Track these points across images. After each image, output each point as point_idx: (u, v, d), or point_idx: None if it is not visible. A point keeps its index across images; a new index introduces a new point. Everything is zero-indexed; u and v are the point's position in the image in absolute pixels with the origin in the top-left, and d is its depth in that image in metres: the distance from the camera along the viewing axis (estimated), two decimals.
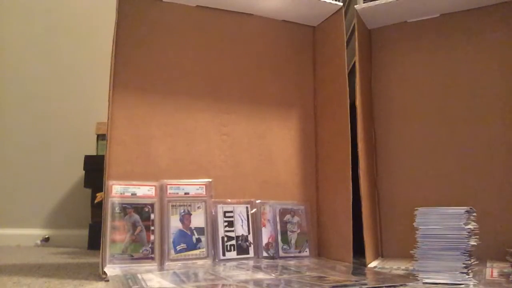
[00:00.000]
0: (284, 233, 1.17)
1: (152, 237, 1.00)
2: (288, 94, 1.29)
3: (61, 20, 2.06)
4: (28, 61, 2.01)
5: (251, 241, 1.12)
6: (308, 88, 1.32)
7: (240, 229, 1.12)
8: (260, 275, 0.90)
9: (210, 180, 1.11)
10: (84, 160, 1.75)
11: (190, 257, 1.03)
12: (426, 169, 1.19)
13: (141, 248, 0.98)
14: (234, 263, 1.06)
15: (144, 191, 1.03)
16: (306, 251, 1.18)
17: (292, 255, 1.16)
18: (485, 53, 1.16)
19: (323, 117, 1.28)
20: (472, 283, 0.78)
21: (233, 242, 1.10)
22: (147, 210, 1.01)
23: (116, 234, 0.97)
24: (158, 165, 1.10)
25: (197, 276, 0.88)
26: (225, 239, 1.09)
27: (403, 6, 1.19)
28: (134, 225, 0.99)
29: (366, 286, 0.77)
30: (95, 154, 1.84)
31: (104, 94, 1.05)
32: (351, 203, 1.09)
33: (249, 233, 1.13)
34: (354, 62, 1.18)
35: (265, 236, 1.15)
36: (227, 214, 1.11)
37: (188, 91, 1.17)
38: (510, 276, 0.82)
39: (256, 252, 1.12)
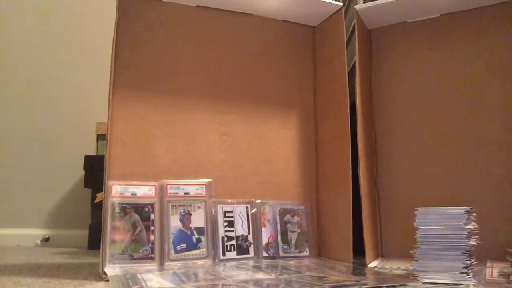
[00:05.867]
0: (284, 233, 1.17)
1: (152, 237, 1.00)
2: (288, 94, 1.29)
3: (61, 20, 2.06)
4: (28, 61, 2.01)
5: (251, 241, 1.12)
6: (308, 88, 1.32)
7: (240, 229, 1.12)
8: (260, 275, 0.90)
9: (210, 180, 1.11)
10: (84, 160, 1.75)
11: (190, 257, 1.03)
12: (426, 169, 1.19)
13: (141, 248, 0.98)
14: (234, 263, 1.06)
15: (144, 191, 1.03)
16: (306, 251, 1.18)
17: (292, 255, 1.16)
18: (485, 53, 1.16)
19: (323, 117, 1.28)
20: (472, 283, 0.78)
21: (233, 242, 1.10)
22: (147, 210, 1.01)
23: (116, 234, 0.97)
24: (158, 165, 1.10)
25: (197, 276, 0.88)
26: (225, 239, 1.09)
27: (403, 6, 1.19)
28: (134, 225, 0.99)
29: (366, 286, 0.77)
30: (95, 154, 1.84)
31: (104, 94, 1.05)
32: (351, 203, 1.09)
33: (249, 233, 1.13)
34: (354, 62, 1.18)
35: (265, 236, 1.15)
36: (227, 214, 1.11)
37: (188, 91, 1.17)
38: (510, 276, 0.82)
39: (256, 252, 1.12)
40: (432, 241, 0.82)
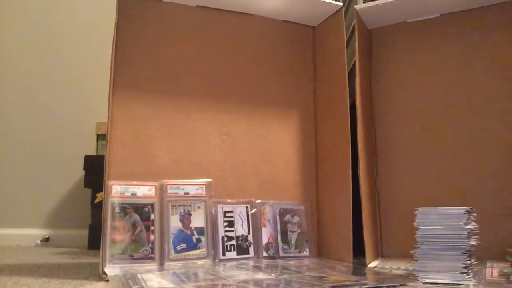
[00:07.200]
0: (284, 233, 1.17)
1: (152, 237, 1.00)
2: (288, 94, 1.29)
3: (61, 20, 2.06)
4: (28, 61, 2.01)
5: (251, 241, 1.12)
6: (308, 88, 1.32)
7: (240, 229, 1.12)
8: (260, 275, 0.90)
9: (210, 180, 1.11)
10: (84, 160, 1.75)
11: (190, 257, 1.03)
12: (426, 169, 1.19)
13: (141, 248, 0.98)
14: (234, 263, 1.06)
15: (144, 191, 1.03)
16: (306, 251, 1.18)
17: (292, 255, 1.16)
18: (485, 53, 1.16)
19: (323, 117, 1.28)
20: (472, 283, 0.78)
21: (233, 242, 1.10)
22: (147, 210, 1.01)
23: (116, 234, 0.97)
24: (158, 165, 1.10)
25: (197, 276, 0.88)
26: (225, 239, 1.09)
27: (403, 6, 1.19)
28: (134, 225, 0.99)
29: (366, 286, 0.77)
30: (95, 154, 1.84)
31: (104, 94, 1.05)
32: (351, 203, 1.09)
33: (249, 233, 1.13)
34: (354, 62, 1.18)
35: (265, 236, 1.15)
36: (227, 214, 1.11)
37: (188, 91, 1.17)
38: (510, 276, 0.82)
39: (256, 252, 1.12)
40: (432, 241, 0.82)
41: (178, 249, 1.02)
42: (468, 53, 1.18)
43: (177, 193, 1.06)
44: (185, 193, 1.07)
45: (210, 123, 1.18)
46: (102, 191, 1.00)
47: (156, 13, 1.15)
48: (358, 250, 1.09)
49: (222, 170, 1.18)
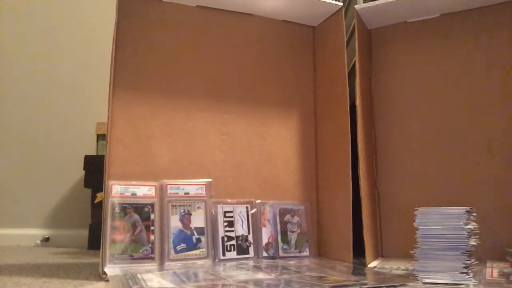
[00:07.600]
0: (284, 233, 1.17)
1: (152, 237, 1.00)
2: (288, 94, 1.29)
3: (61, 20, 2.06)
4: (28, 61, 2.01)
5: (251, 241, 1.12)
6: (308, 88, 1.32)
7: (240, 229, 1.12)
8: (260, 275, 0.90)
9: (210, 180, 1.11)
10: (84, 160, 1.75)
11: (190, 257, 1.03)
12: (426, 169, 1.19)
13: (141, 248, 0.98)
14: (234, 263, 1.06)
15: (144, 191, 1.03)
16: (306, 251, 1.18)
17: (292, 255, 1.16)
18: (485, 53, 1.16)
19: (323, 117, 1.28)
20: (472, 283, 0.78)
21: (233, 242, 1.10)
22: (147, 210, 1.01)
23: (116, 234, 0.97)
24: (158, 165, 1.10)
25: (197, 276, 0.88)
26: (225, 239, 1.09)
27: (403, 6, 1.19)
28: (134, 225, 0.99)
29: (366, 286, 0.77)
30: (95, 154, 1.84)
31: (104, 94, 1.05)
32: (351, 203, 1.09)
33: (249, 233, 1.13)
34: (354, 62, 1.18)
35: (265, 236, 1.15)
36: (227, 214, 1.11)
37: (188, 91, 1.17)
38: (510, 276, 0.82)
39: (256, 252, 1.12)
40: (432, 241, 0.82)
41: (178, 249, 1.02)
42: (468, 53, 1.18)
43: (177, 193, 1.06)
44: (185, 193, 1.07)
45: (210, 123, 1.18)
46: (102, 191, 1.00)
47: (156, 13, 1.15)
48: (358, 250, 1.09)
49: (222, 170, 1.18)
